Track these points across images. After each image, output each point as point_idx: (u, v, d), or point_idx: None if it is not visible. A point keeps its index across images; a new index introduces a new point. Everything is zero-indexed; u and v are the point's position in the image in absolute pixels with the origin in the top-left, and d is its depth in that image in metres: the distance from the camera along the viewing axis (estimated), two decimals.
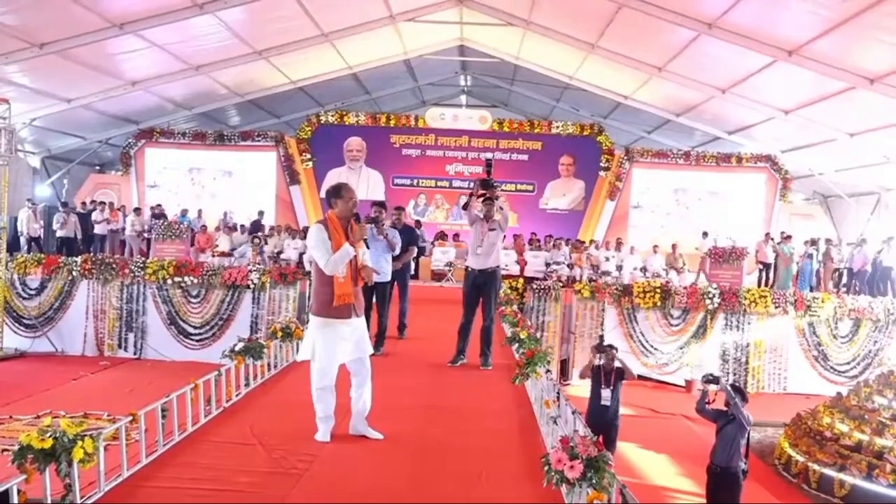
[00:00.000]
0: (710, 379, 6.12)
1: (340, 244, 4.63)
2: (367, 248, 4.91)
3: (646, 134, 22.78)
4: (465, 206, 7.66)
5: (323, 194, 20.68)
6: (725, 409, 5.91)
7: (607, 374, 7.07)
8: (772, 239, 17.22)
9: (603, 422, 6.80)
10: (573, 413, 4.70)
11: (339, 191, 4.78)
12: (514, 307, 10.58)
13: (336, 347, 4.74)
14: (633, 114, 20.68)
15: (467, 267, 7.67)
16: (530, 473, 4.39)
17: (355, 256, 4.73)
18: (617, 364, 7.12)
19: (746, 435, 5.85)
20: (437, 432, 5.33)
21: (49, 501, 3.54)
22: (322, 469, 4.42)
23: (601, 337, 7.49)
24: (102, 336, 11.71)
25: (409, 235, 9.20)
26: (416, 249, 9.67)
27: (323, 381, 4.78)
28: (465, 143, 21.11)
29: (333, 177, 20.48)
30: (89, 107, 17.01)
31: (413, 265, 12.96)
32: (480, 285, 7.50)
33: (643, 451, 8.55)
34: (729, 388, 5.93)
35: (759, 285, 16.23)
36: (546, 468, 3.76)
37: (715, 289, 12.08)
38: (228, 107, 20.83)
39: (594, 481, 3.56)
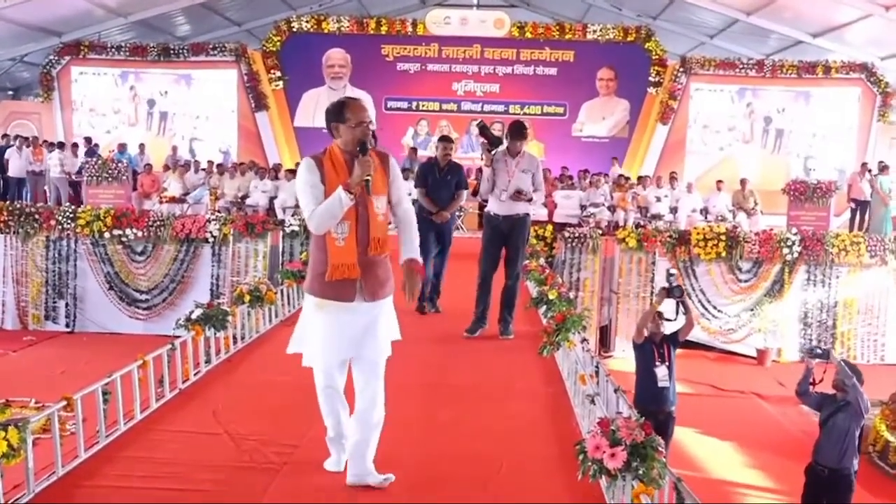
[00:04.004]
0: (819, 352, 5.70)
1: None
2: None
3: (707, 39, 22.42)
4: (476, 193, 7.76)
5: (297, 121, 20.67)
6: (835, 392, 5.58)
7: (659, 345, 6.46)
8: (869, 170, 17.06)
9: (660, 411, 6.13)
10: (615, 391, 4.74)
11: (340, 111, 3.95)
12: (542, 261, 10.59)
13: (328, 339, 3.99)
14: (691, 13, 20.33)
15: (488, 212, 7.60)
16: (561, 463, 4.46)
17: (367, 207, 3.93)
18: (672, 324, 6.52)
19: (861, 426, 5.63)
20: (447, 416, 5.40)
21: None
22: (303, 463, 4.47)
23: (670, 274, 6.65)
24: (25, 305, 11.78)
25: (459, 176, 8.71)
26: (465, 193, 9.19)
27: (324, 381, 4.14)
28: (476, 53, 20.88)
29: (310, 100, 20.34)
30: None
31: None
32: (505, 234, 7.43)
33: (703, 437, 8.60)
34: (844, 364, 5.55)
35: (851, 229, 16.16)
36: (581, 457, 3.80)
37: (794, 234, 12.02)
38: (174, 12, 20.54)
39: (640, 472, 3.59)
